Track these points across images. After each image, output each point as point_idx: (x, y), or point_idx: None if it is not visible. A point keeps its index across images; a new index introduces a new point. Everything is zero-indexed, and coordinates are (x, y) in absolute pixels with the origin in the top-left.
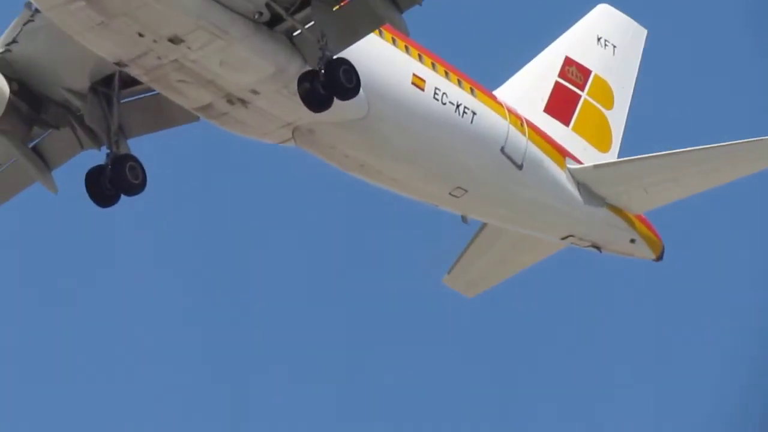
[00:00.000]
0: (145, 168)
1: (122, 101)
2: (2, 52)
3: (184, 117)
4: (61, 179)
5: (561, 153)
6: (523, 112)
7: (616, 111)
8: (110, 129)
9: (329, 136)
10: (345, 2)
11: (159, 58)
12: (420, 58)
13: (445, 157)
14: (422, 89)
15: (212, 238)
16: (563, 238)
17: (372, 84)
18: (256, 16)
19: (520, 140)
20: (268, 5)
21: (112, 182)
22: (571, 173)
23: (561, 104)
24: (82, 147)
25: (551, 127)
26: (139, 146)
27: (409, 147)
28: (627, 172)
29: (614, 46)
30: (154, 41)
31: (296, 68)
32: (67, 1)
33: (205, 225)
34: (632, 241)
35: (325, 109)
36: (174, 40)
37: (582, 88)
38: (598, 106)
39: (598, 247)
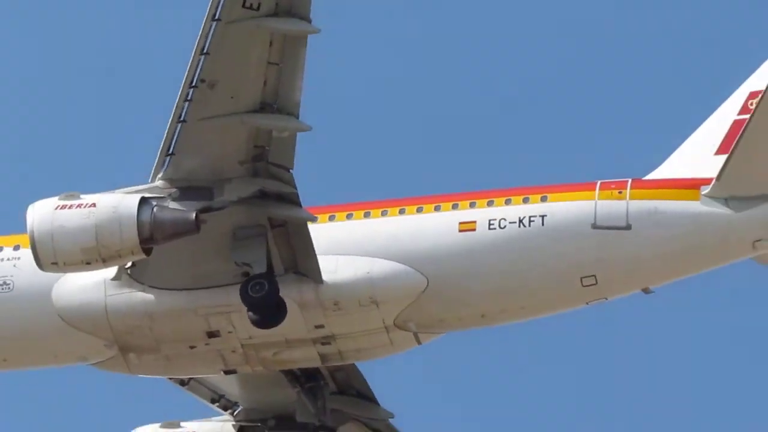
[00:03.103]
0: None
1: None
2: None
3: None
4: None
5: (693, 185)
6: (692, 164)
7: None
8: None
9: (422, 313)
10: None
11: (233, 351)
12: (476, 203)
13: (544, 262)
14: (474, 230)
15: None
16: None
17: (413, 256)
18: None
19: (618, 206)
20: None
21: None
22: (709, 194)
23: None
24: None
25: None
26: None
27: (499, 280)
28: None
29: None
30: (206, 344)
31: (311, 291)
32: (107, 358)
33: None
34: None
35: (273, 322)
36: (214, 334)
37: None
38: None
39: None
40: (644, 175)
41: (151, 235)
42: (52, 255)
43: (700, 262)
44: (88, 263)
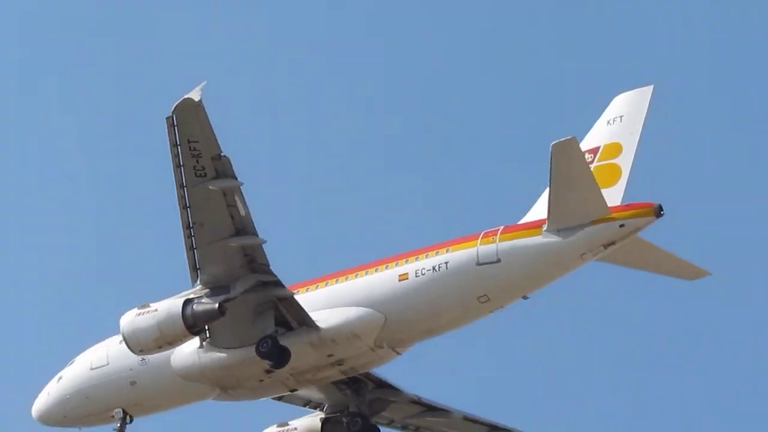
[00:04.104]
0: None
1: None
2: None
3: None
4: None
5: (537, 226)
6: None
7: (625, 154)
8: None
9: (388, 336)
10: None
11: (287, 378)
12: (406, 261)
13: (454, 292)
14: (407, 278)
15: None
16: (581, 257)
17: (371, 301)
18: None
19: (491, 248)
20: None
21: None
22: (547, 230)
23: None
24: None
25: None
26: None
27: (433, 305)
28: (568, 197)
29: (621, 116)
30: (269, 378)
31: (315, 335)
32: (217, 395)
33: None
34: (621, 225)
35: (281, 364)
36: (270, 371)
37: (592, 163)
38: (607, 162)
39: (612, 243)
40: (522, 218)
41: (194, 323)
42: (137, 346)
43: (550, 275)
44: (160, 347)
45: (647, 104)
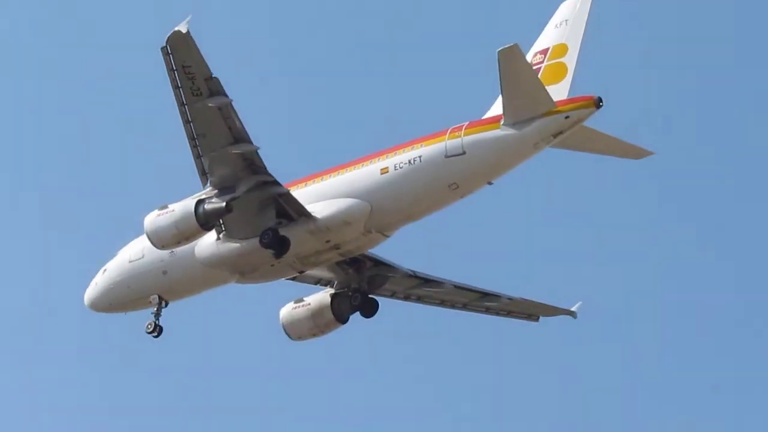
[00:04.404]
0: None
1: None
2: None
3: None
4: None
5: (496, 120)
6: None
7: (570, 53)
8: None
9: (376, 222)
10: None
11: (294, 262)
12: (386, 157)
13: (427, 182)
14: (388, 172)
15: None
16: (535, 146)
17: (358, 192)
18: None
19: (456, 142)
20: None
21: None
22: (504, 124)
23: None
24: None
25: None
26: None
27: (410, 194)
28: (517, 95)
29: (566, 20)
30: (279, 262)
31: (312, 224)
32: (237, 279)
33: None
34: (567, 117)
35: (282, 252)
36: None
37: (542, 62)
38: (555, 61)
39: (560, 132)
40: (485, 113)
41: (206, 220)
42: (159, 242)
43: (509, 162)
44: (179, 242)
45: (588, 9)
